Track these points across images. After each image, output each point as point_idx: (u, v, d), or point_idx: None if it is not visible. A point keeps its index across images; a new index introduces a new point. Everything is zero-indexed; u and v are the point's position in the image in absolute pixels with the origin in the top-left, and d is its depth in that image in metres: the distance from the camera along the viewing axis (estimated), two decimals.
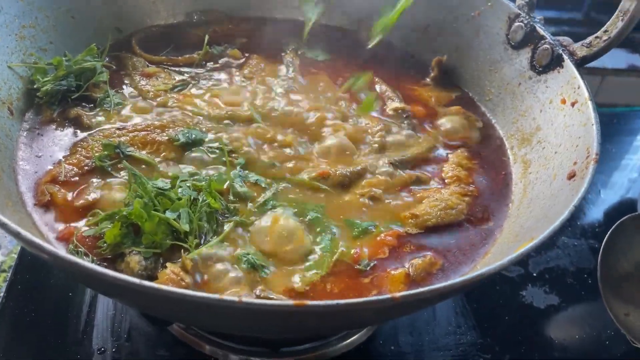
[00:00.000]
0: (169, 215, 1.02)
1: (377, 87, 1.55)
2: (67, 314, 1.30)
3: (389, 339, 1.33)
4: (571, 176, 1.11)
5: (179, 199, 1.06)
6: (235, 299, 0.74)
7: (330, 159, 1.29)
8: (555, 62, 1.34)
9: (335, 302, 0.75)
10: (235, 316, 0.81)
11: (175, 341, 1.27)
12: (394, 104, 1.48)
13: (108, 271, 0.75)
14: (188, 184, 1.10)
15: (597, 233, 1.70)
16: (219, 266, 1.03)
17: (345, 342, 1.29)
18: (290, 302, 0.75)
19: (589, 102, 1.20)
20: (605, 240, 1.38)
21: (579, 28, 2.56)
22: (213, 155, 1.24)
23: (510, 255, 0.86)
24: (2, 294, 1.32)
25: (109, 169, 1.18)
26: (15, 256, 1.42)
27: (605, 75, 2.43)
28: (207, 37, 1.58)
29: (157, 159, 1.22)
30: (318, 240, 1.11)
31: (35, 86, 1.30)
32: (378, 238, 1.12)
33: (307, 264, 1.07)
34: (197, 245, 1.04)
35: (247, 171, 1.22)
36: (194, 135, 1.26)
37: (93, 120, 1.30)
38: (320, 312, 0.77)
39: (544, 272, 1.56)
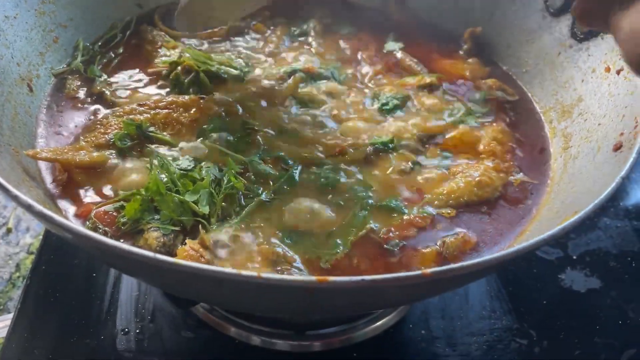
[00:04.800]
0: (188, 197, 0.98)
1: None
2: (91, 295, 1.28)
3: (419, 323, 1.27)
4: (617, 147, 1.02)
5: (202, 179, 1.02)
6: (255, 274, 0.69)
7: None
8: None
9: (360, 278, 0.70)
10: (255, 293, 0.76)
11: (200, 323, 1.23)
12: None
13: (122, 245, 0.72)
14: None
15: None
16: (238, 242, 0.99)
17: (373, 326, 1.24)
18: (313, 278, 0.70)
19: None
20: None
21: None
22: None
23: (551, 230, 0.79)
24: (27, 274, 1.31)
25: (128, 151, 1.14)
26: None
27: None
28: None
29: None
30: (352, 216, 1.06)
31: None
32: (407, 217, 1.07)
33: (333, 240, 1.02)
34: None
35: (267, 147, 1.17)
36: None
37: (116, 96, 1.28)
38: (344, 289, 0.72)
39: (585, 254, 1.47)
